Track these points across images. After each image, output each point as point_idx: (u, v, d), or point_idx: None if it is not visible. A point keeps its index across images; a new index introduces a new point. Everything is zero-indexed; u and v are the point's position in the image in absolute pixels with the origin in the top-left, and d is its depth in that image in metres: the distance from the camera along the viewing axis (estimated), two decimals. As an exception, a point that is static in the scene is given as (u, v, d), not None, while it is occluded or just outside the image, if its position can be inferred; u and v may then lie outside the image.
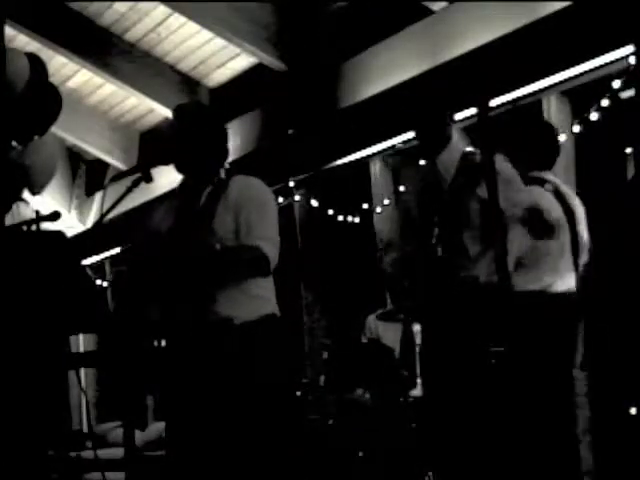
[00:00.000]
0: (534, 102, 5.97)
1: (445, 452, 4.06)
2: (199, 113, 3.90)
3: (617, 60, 5.37)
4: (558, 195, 4.17)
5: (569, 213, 4.16)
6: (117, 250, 10.29)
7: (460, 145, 4.02)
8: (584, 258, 4.26)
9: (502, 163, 4.01)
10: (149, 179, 3.72)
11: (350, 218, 7.49)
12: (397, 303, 6.41)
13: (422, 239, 4.20)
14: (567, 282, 4.17)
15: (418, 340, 6.11)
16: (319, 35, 7.47)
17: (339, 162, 7.47)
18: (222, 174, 3.85)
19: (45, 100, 5.24)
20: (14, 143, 5.17)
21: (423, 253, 4.17)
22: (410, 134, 6.72)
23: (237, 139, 7.81)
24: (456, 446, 3.95)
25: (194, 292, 3.71)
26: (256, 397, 3.68)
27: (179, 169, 3.85)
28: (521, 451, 3.52)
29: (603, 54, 5.39)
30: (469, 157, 3.93)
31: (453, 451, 3.99)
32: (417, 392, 5.60)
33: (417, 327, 6.17)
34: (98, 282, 10.43)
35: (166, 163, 3.81)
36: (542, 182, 4.16)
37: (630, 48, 5.20)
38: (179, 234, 3.74)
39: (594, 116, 5.62)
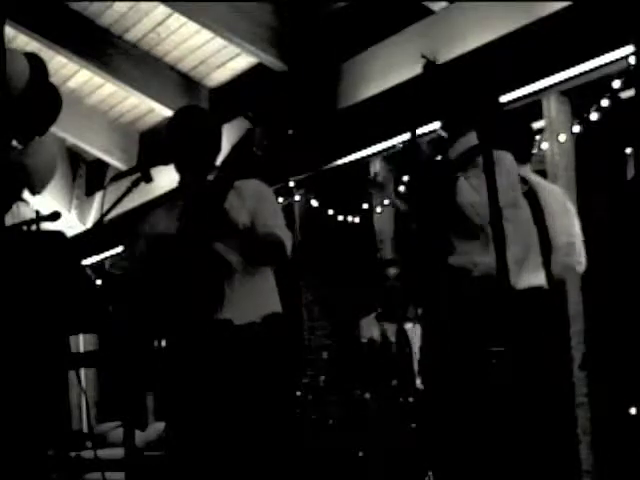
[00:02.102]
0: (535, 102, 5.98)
1: (445, 452, 4.06)
2: (199, 116, 3.92)
3: (617, 60, 5.37)
4: (530, 195, 4.16)
5: (538, 212, 4.14)
6: (118, 250, 10.29)
7: (472, 139, 4.01)
8: (563, 257, 4.23)
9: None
10: (149, 179, 3.72)
11: (350, 218, 7.49)
12: (395, 304, 6.42)
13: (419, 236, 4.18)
14: (530, 280, 4.12)
15: (414, 340, 6.11)
16: (319, 35, 7.47)
17: (339, 162, 7.47)
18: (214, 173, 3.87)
19: (45, 100, 5.24)
20: (14, 143, 5.17)
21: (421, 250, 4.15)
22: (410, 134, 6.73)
23: (237, 139, 7.80)
24: (456, 446, 3.95)
25: (196, 294, 3.71)
26: (257, 397, 3.68)
27: (179, 169, 3.85)
28: (521, 451, 3.52)
29: (603, 54, 5.39)
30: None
31: (453, 451, 3.99)
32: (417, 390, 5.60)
33: (409, 326, 6.17)
34: (98, 282, 10.43)
35: (166, 163, 3.81)
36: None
37: (630, 48, 5.20)
38: (188, 236, 3.73)
39: (594, 116, 5.62)
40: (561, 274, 4.31)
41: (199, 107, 4.53)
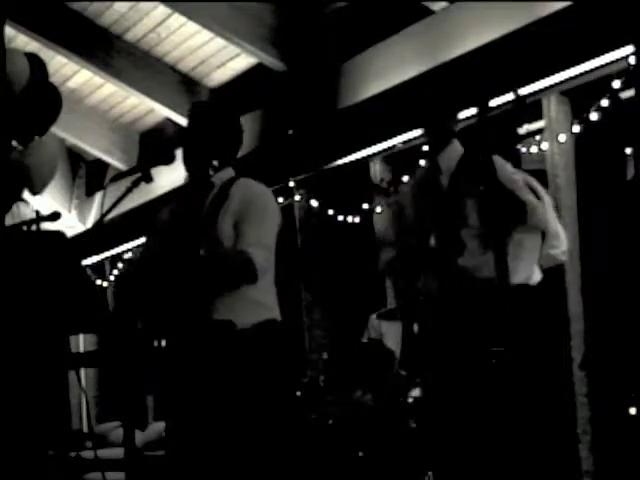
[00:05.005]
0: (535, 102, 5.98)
1: (445, 452, 4.06)
2: (212, 112, 3.91)
3: (617, 60, 5.37)
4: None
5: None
6: (118, 250, 10.29)
7: (456, 146, 4.04)
8: (549, 249, 4.22)
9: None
10: (149, 179, 3.72)
11: (350, 218, 7.49)
12: (399, 301, 6.41)
13: (418, 237, 4.21)
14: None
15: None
16: (319, 35, 7.47)
17: (339, 162, 7.47)
18: (228, 174, 3.85)
19: (45, 100, 5.24)
20: (14, 143, 5.17)
21: (419, 250, 4.17)
22: (410, 134, 6.73)
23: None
24: (456, 446, 3.95)
25: (193, 295, 3.71)
26: (254, 401, 3.68)
27: (188, 168, 3.84)
28: (521, 451, 3.52)
29: (603, 54, 5.39)
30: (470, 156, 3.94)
31: (453, 451, 3.99)
32: (417, 392, 5.60)
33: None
34: (98, 282, 10.44)
35: (166, 163, 3.81)
36: None
37: (630, 48, 5.20)
38: (181, 238, 3.73)
39: (594, 116, 5.62)
40: (547, 265, 4.32)
41: (212, 103, 4.49)
